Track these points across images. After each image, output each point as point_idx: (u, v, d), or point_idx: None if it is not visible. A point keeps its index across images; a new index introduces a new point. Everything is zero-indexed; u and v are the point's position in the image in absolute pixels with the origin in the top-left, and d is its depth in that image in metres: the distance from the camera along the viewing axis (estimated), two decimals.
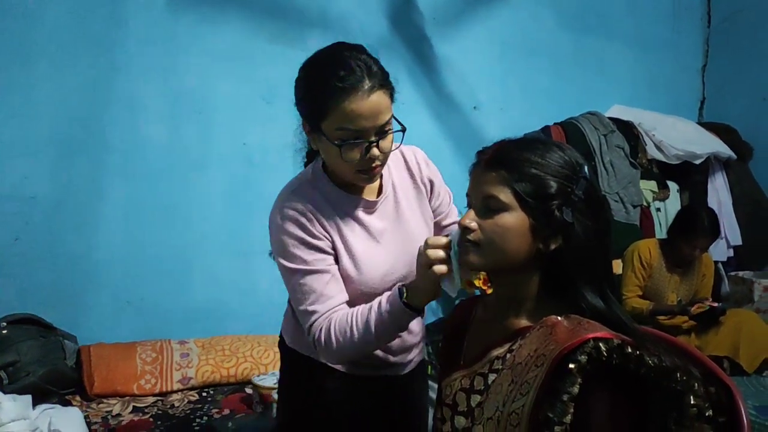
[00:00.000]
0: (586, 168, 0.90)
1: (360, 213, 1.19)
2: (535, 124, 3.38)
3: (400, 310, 1.04)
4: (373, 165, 1.10)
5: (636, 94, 3.93)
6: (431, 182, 1.29)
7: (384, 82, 1.08)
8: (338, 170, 1.14)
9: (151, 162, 2.60)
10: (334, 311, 1.11)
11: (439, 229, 1.33)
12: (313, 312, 1.11)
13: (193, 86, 2.66)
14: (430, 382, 1.46)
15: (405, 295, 1.04)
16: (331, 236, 1.15)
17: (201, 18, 2.65)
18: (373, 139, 1.07)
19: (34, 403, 1.89)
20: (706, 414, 0.76)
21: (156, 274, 2.62)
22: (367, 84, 1.04)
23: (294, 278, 1.13)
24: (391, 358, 1.25)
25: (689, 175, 3.63)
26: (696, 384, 0.77)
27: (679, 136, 3.62)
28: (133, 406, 2.22)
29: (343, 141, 1.06)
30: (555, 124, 3.45)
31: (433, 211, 1.30)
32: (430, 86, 3.22)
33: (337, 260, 1.15)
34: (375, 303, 1.09)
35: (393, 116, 1.11)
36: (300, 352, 1.27)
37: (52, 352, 2.24)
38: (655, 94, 4.01)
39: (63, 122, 2.42)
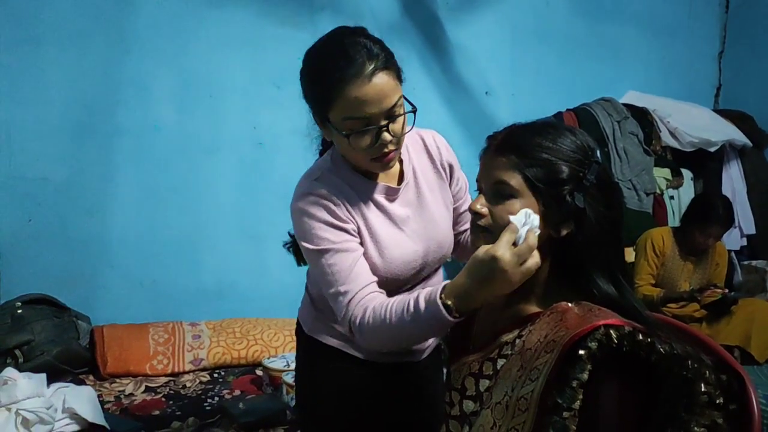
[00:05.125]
0: (598, 152, 0.89)
1: (382, 200, 1.16)
2: (547, 110, 3.34)
3: (447, 322, 0.94)
4: (387, 150, 1.06)
5: (651, 80, 3.87)
6: (451, 166, 1.26)
7: (387, 63, 1.03)
8: (353, 160, 1.12)
9: (162, 145, 2.61)
10: (367, 293, 1.06)
11: (456, 215, 1.31)
12: (346, 292, 1.06)
13: (203, 70, 2.66)
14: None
15: (453, 309, 0.92)
16: (356, 221, 1.12)
17: (210, 1, 2.64)
18: (382, 123, 1.03)
19: (49, 382, 1.92)
20: (717, 401, 0.76)
21: (167, 256, 2.64)
22: (368, 68, 1.01)
23: (322, 259, 1.09)
24: (414, 347, 1.24)
25: (704, 162, 3.59)
26: (707, 371, 0.76)
27: (694, 123, 3.57)
28: (146, 386, 2.26)
29: (351, 130, 1.03)
30: (568, 110, 3.42)
31: (452, 196, 1.28)
32: (442, 71, 3.20)
33: (362, 245, 1.13)
34: (411, 308, 0.97)
35: (403, 97, 1.07)
36: (320, 341, 1.24)
37: (65, 332, 2.27)
38: (671, 81, 3.95)
39: (74, 105, 2.44)
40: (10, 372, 1.87)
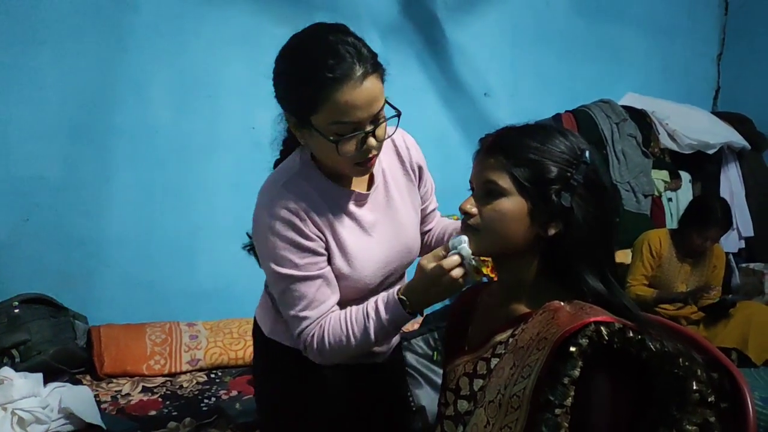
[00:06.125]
0: (587, 153, 0.89)
1: (351, 206, 1.12)
2: (546, 112, 3.35)
3: (403, 318, 1.02)
4: (370, 156, 1.03)
5: (650, 82, 3.88)
6: (420, 168, 1.23)
7: (375, 66, 0.99)
8: (333, 165, 1.06)
9: (160, 145, 2.60)
10: (325, 316, 1.07)
11: (422, 216, 1.29)
12: (304, 318, 1.06)
13: (201, 69, 2.65)
14: (419, 359, 1.48)
15: (407, 305, 1.01)
16: (324, 235, 1.08)
17: (208, 0, 2.64)
18: (368, 128, 0.99)
19: (45, 382, 1.92)
20: (709, 400, 0.76)
21: (165, 256, 2.64)
22: (359, 70, 0.95)
23: (283, 283, 1.06)
24: (377, 349, 1.22)
25: (702, 165, 3.59)
26: (698, 369, 0.76)
27: (693, 125, 3.57)
28: (143, 386, 2.25)
29: (339, 135, 0.98)
30: (566, 111, 3.42)
31: (420, 197, 1.26)
32: (440, 72, 3.19)
33: (329, 259, 1.09)
34: (371, 311, 1.04)
35: (386, 100, 1.02)
36: (282, 343, 1.21)
37: (62, 332, 2.27)
38: (669, 83, 3.96)
39: (71, 104, 2.43)
40: (6, 371, 1.87)
